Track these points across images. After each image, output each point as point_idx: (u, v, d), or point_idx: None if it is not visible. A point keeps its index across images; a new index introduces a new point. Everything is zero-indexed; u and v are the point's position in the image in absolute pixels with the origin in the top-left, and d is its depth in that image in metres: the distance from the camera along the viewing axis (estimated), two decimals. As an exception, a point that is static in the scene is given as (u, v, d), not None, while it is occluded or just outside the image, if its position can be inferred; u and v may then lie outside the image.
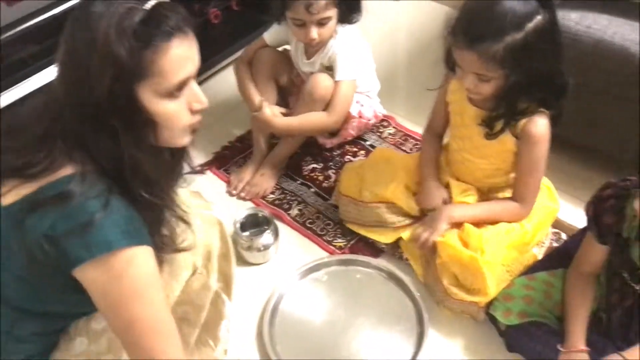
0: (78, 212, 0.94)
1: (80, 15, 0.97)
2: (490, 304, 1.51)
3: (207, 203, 1.44)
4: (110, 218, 0.95)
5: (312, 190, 1.92)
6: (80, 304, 1.07)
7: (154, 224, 1.08)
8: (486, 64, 1.33)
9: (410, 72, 2.37)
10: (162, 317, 1.03)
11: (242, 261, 1.71)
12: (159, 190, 1.06)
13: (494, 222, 1.57)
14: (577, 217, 1.72)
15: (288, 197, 1.90)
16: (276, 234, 1.74)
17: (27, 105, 1.08)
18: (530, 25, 1.30)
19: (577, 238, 1.52)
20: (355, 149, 2.03)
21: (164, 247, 1.13)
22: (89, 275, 0.97)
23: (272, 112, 1.83)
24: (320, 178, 1.95)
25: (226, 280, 1.40)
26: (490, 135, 1.48)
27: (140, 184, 1.02)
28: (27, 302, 1.04)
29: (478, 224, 1.57)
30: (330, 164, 1.99)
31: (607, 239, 1.33)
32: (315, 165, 1.99)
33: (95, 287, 0.99)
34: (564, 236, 1.72)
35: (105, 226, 0.95)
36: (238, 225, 1.72)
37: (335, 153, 2.01)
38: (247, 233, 1.74)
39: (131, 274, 0.98)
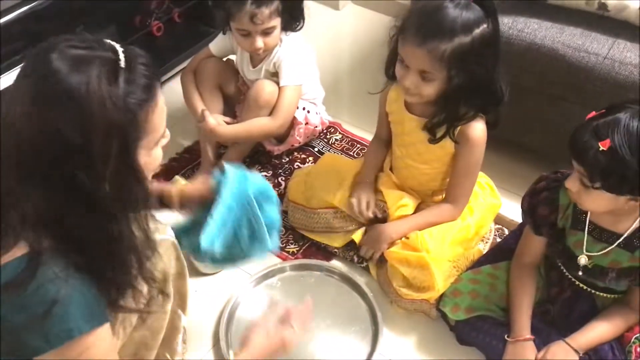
0: (34, 301, 0.90)
1: (54, 91, 0.88)
2: (440, 299, 1.55)
3: (163, 226, 1.32)
4: (69, 303, 0.91)
5: (262, 198, 1.93)
6: None
7: (121, 288, 1.03)
8: (433, 62, 1.37)
9: (353, 79, 2.41)
10: None
11: (196, 272, 1.69)
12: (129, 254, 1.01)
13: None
14: (517, 212, 1.78)
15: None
16: None
17: None
18: (477, 32, 1.36)
19: (518, 232, 1.58)
20: (303, 156, 2.05)
21: (132, 305, 1.09)
22: None
23: (216, 121, 1.84)
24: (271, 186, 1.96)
25: (181, 297, 1.38)
26: (434, 140, 1.53)
27: (107, 252, 0.98)
28: None
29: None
30: (280, 171, 2.00)
31: (543, 230, 1.40)
32: (264, 173, 1.99)
33: None
34: (506, 231, 1.78)
35: (64, 313, 0.91)
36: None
37: (284, 160, 2.03)
38: None
39: (92, 354, 0.96)
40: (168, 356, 1.38)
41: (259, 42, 1.76)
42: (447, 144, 1.54)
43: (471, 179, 1.60)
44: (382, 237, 1.62)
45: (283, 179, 1.98)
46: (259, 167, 2.01)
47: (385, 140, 1.76)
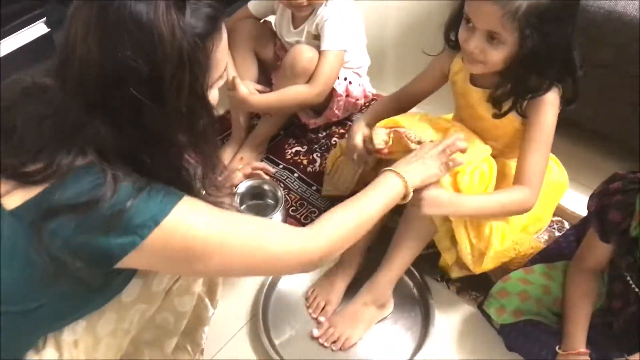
0: (108, 207, 0.86)
1: (120, 16, 0.85)
2: (484, 299, 1.42)
3: None
4: (144, 194, 0.88)
5: (296, 175, 1.82)
6: (77, 308, 1.00)
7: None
8: (505, 20, 1.21)
9: (400, 47, 2.28)
10: (266, 226, 1.02)
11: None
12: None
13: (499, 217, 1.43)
14: (581, 204, 1.63)
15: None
16: (286, 213, 1.50)
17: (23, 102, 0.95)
18: None
19: (580, 228, 1.43)
20: (342, 131, 1.92)
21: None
22: (151, 257, 0.91)
23: (248, 90, 1.71)
24: (305, 162, 1.85)
25: (210, 285, 1.28)
26: (498, 115, 1.37)
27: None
28: (18, 304, 0.94)
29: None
30: (315, 146, 1.88)
31: (611, 237, 1.23)
32: (299, 148, 1.88)
33: (165, 264, 0.96)
34: (566, 225, 1.64)
35: (142, 205, 0.88)
36: (237, 198, 1.45)
37: (320, 135, 1.91)
38: (252, 211, 1.47)
39: (193, 232, 0.91)
40: (189, 348, 1.31)
41: None
42: (515, 119, 1.38)
43: (542, 154, 1.38)
44: (454, 206, 1.34)
45: (319, 155, 1.86)
46: (294, 141, 1.90)
47: (405, 104, 1.58)
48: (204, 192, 1.02)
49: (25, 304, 0.94)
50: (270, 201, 1.50)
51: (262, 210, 1.47)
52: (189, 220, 0.92)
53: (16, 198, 0.89)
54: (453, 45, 1.38)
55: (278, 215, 1.44)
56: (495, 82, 1.36)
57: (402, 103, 1.57)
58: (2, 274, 0.90)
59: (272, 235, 1.02)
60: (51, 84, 0.93)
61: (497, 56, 1.28)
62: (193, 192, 0.98)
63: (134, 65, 0.85)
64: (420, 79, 1.57)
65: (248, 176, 1.44)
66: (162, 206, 0.90)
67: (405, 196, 1.20)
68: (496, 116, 1.37)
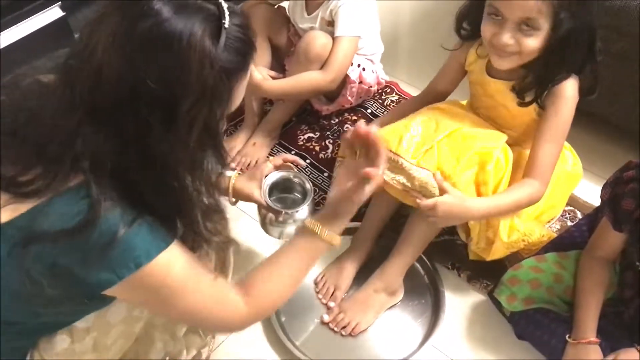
0: (95, 237, 0.83)
1: (152, 33, 0.80)
2: (495, 287, 1.41)
3: None
4: (132, 231, 0.85)
5: (308, 161, 1.81)
6: (78, 313, 1.00)
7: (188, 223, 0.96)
8: (541, 4, 1.19)
9: (414, 34, 2.24)
10: (214, 292, 0.98)
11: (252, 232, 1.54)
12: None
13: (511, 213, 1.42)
14: (593, 194, 1.62)
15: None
16: (312, 208, 1.41)
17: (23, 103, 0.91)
18: None
19: (593, 218, 1.42)
20: (355, 117, 1.90)
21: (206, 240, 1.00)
22: (122, 293, 0.91)
23: (262, 75, 1.70)
24: (317, 148, 1.84)
25: (222, 266, 1.24)
26: (523, 104, 1.35)
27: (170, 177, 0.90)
28: (17, 316, 0.94)
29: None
30: (328, 133, 1.87)
31: (624, 226, 1.22)
32: (311, 135, 1.87)
33: (138, 303, 0.97)
34: (579, 214, 1.62)
35: (128, 242, 0.85)
36: (266, 188, 1.38)
37: (333, 121, 1.89)
38: (278, 203, 1.40)
39: (172, 281, 0.91)
40: (200, 332, 1.29)
41: None
42: (533, 109, 1.37)
43: (556, 146, 1.36)
44: (466, 215, 1.35)
45: (331, 141, 1.85)
46: (306, 128, 1.89)
47: (432, 101, 1.55)
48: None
49: (22, 317, 0.94)
50: (297, 195, 1.44)
51: (289, 204, 1.42)
52: (168, 272, 0.90)
53: (6, 213, 0.86)
54: (466, 36, 1.36)
55: (305, 209, 1.38)
56: (513, 73, 1.33)
57: (429, 102, 1.54)
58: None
59: (218, 308, 0.99)
60: (57, 83, 0.88)
61: (532, 44, 1.24)
62: (176, 226, 0.94)
63: (153, 86, 0.81)
64: (441, 76, 1.55)
65: (278, 167, 1.40)
66: (148, 250, 0.87)
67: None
68: (521, 105, 1.35)
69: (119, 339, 1.08)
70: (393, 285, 1.46)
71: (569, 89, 1.31)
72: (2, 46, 1.54)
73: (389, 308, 1.48)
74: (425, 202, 1.29)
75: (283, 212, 1.36)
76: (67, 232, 0.82)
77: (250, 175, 1.37)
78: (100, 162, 0.84)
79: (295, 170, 1.43)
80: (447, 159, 1.35)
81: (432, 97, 1.56)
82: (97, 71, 0.81)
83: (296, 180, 1.43)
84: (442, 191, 1.31)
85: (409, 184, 1.35)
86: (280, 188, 1.42)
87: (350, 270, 1.51)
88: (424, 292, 1.52)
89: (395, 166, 1.36)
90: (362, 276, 1.51)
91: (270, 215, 1.38)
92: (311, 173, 1.77)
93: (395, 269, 1.46)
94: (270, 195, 1.38)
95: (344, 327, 1.44)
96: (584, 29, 1.24)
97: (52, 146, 0.85)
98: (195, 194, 0.92)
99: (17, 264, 0.84)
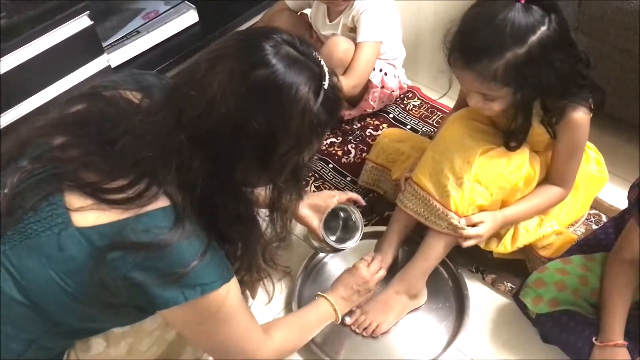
0: (172, 258, 0.89)
1: (266, 82, 0.89)
2: (520, 289, 1.40)
3: None
4: (205, 258, 0.92)
5: (330, 166, 1.82)
6: (126, 321, 1.05)
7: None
8: (487, 83, 1.21)
9: (436, 39, 2.19)
10: (250, 326, 1.06)
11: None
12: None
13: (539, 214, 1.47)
14: (618, 197, 1.61)
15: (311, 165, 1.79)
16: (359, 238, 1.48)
17: (123, 114, 0.97)
18: (534, 39, 1.17)
19: (619, 220, 1.41)
20: (377, 122, 1.91)
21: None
22: (177, 315, 0.96)
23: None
24: (339, 153, 1.85)
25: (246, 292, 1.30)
26: (511, 148, 1.36)
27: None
28: (67, 317, 0.97)
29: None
30: (350, 137, 1.88)
31: None
32: (333, 140, 1.88)
33: (185, 325, 1.00)
34: (604, 218, 1.60)
35: (199, 269, 0.91)
36: (322, 224, 1.43)
37: (355, 126, 1.90)
38: (333, 237, 1.47)
39: (223, 311, 0.97)
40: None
41: None
42: (545, 135, 1.37)
43: (576, 160, 1.40)
44: (499, 226, 1.42)
45: (353, 146, 1.86)
46: (328, 133, 1.89)
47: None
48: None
49: (72, 319, 0.97)
50: (339, 222, 1.50)
51: (344, 238, 1.49)
52: (225, 302, 0.96)
53: (90, 217, 0.90)
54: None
55: (349, 246, 1.47)
56: (508, 113, 1.34)
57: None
58: (57, 290, 0.92)
59: (248, 342, 1.06)
60: (162, 103, 0.94)
61: (497, 107, 1.28)
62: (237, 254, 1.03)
63: (256, 127, 0.88)
64: (462, 91, 1.55)
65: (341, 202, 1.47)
66: (214, 279, 0.94)
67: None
68: (510, 148, 1.36)
69: (153, 345, 1.10)
70: (415, 288, 1.46)
71: (577, 117, 1.31)
72: (32, 55, 1.57)
73: (412, 311, 1.48)
74: (467, 243, 1.40)
75: (333, 247, 1.45)
76: (149, 246, 0.88)
77: (315, 207, 1.43)
78: (190, 185, 0.91)
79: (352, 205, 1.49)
80: (478, 192, 1.38)
81: (465, 106, 1.55)
82: (209, 102, 0.88)
83: (346, 213, 1.48)
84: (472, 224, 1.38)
85: (442, 224, 1.40)
86: (330, 213, 1.48)
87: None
88: (448, 295, 1.52)
89: (430, 210, 1.41)
90: (386, 278, 1.50)
91: (324, 245, 1.46)
92: (333, 177, 1.78)
93: (417, 272, 1.46)
94: (325, 223, 1.44)
95: (365, 329, 1.45)
96: (553, 84, 1.22)
97: (147, 161, 0.90)
98: (265, 225, 1.03)
99: (93, 267, 0.89)
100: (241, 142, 0.89)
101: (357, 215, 1.47)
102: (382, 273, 1.44)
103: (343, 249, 1.47)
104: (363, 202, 1.52)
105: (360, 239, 1.47)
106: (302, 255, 1.58)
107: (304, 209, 1.42)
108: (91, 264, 0.89)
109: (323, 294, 1.34)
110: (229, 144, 0.89)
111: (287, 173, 0.96)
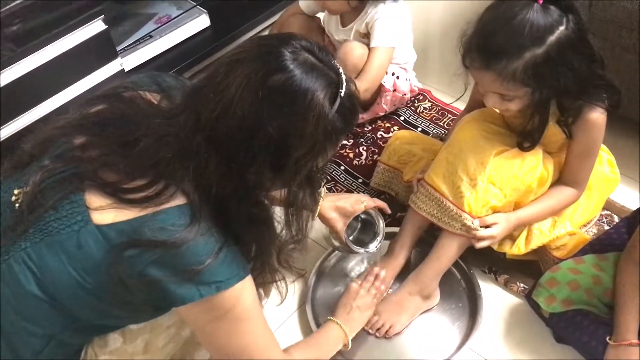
0: (188, 256, 0.90)
1: (283, 86, 0.90)
2: (533, 289, 1.41)
3: None
4: (220, 256, 0.93)
5: (342, 168, 1.83)
6: (142, 318, 1.06)
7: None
8: (506, 84, 1.22)
9: (446, 41, 2.23)
10: (265, 333, 1.06)
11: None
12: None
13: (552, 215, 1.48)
14: (630, 198, 1.62)
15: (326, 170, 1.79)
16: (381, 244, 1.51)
17: (145, 117, 0.98)
18: (552, 39, 1.18)
19: (632, 220, 1.41)
20: (388, 125, 1.92)
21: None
22: (193, 312, 0.97)
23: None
24: (351, 155, 1.86)
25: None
26: (525, 148, 1.37)
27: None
28: (85, 314, 0.98)
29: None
30: (361, 140, 1.89)
31: None
32: (344, 142, 1.89)
33: (201, 323, 1.00)
34: (616, 219, 1.60)
35: (215, 266, 0.92)
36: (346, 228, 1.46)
37: (366, 129, 1.91)
38: (351, 238, 1.49)
39: (238, 309, 0.97)
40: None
41: (318, 1, 1.69)
42: (560, 135, 1.37)
43: (590, 160, 1.41)
44: (513, 227, 1.43)
45: (364, 148, 1.87)
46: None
47: None
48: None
49: (90, 315, 0.99)
50: (358, 223, 1.52)
51: (361, 238, 1.51)
52: (239, 299, 0.97)
53: (108, 216, 0.92)
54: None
55: (370, 251, 1.49)
56: (525, 112, 1.34)
57: None
58: (75, 287, 0.94)
59: (264, 353, 1.06)
60: (182, 106, 0.95)
61: (516, 106, 1.29)
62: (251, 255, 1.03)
63: (271, 132, 0.89)
64: (475, 91, 1.56)
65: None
66: (229, 277, 0.95)
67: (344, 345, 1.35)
68: (523, 149, 1.37)
69: (170, 342, 1.12)
70: (427, 288, 1.47)
71: (593, 117, 1.32)
72: (48, 59, 1.59)
73: (425, 312, 1.49)
74: (480, 244, 1.40)
75: (355, 250, 1.47)
76: (164, 243, 0.89)
77: (343, 211, 1.44)
78: (206, 186, 0.92)
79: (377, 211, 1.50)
80: (492, 193, 1.38)
81: (477, 108, 1.56)
82: (226, 105, 0.89)
83: (370, 217, 1.50)
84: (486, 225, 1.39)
85: (456, 225, 1.41)
86: (359, 222, 1.51)
87: (388, 275, 1.52)
88: (461, 296, 1.52)
89: (444, 211, 1.42)
90: (399, 280, 1.52)
91: (351, 249, 1.47)
92: (345, 179, 1.79)
93: (430, 273, 1.46)
94: (349, 227, 1.46)
95: (378, 329, 1.45)
96: (570, 85, 1.24)
97: (166, 161, 0.92)
98: (280, 227, 1.03)
99: (111, 264, 0.91)
100: (256, 145, 0.90)
101: (381, 224, 1.49)
102: (380, 285, 1.45)
103: (363, 252, 1.48)
104: (389, 210, 1.52)
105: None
106: (315, 257, 1.59)
107: (332, 212, 1.43)
108: (109, 261, 0.91)
109: (332, 318, 1.36)
110: (244, 146, 0.91)
111: (301, 178, 0.97)
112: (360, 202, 1.45)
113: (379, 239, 1.48)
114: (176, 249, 0.89)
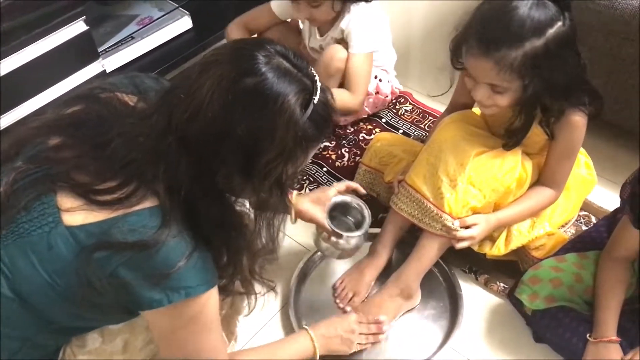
0: (158, 258, 0.89)
1: (254, 90, 0.89)
2: (515, 287, 1.43)
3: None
4: (190, 261, 0.91)
5: (324, 169, 1.84)
6: (114, 321, 1.05)
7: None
8: (503, 73, 1.23)
9: (427, 44, 2.27)
10: (219, 338, 1.06)
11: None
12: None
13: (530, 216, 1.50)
14: (607, 199, 1.65)
15: (298, 177, 1.81)
16: (366, 234, 1.47)
17: (118, 118, 0.97)
18: (551, 32, 1.21)
19: (610, 219, 1.43)
20: (370, 127, 1.93)
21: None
22: (158, 317, 0.96)
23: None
24: (333, 157, 1.87)
25: (232, 306, 1.30)
26: (507, 147, 1.39)
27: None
28: (58, 316, 0.97)
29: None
30: (344, 142, 1.90)
31: None
32: (327, 144, 1.90)
33: (163, 327, 0.98)
34: (593, 219, 1.63)
35: (185, 271, 0.91)
36: (327, 212, 1.43)
37: (348, 131, 1.92)
38: (335, 224, 1.45)
39: (203, 316, 0.97)
40: (224, 335, 1.30)
41: (304, 12, 1.68)
42: (542, 135, 1.40)
43: (570, 161, 1.44)
44: (492, 229, 1.45)
45: (347, 150, 1.88)
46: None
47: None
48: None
49: (63, 318, 0.98)
50: (350, 218, 1.51)
51: (343, 226, 1.48)
52: (205, 307, 0.97)
53: (79, 217, 0.91)
54: (461, 68, 1.38)
55: (359, 234, 1.44)
56: (509, 111, 1.36)
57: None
58: (46, 289, 0.92)
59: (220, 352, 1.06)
60: (154, 107, 0.95)
61: (505, 101, 1.30)
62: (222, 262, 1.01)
63: (241, 134, 0.88)
64: (459, 90, 1.57)
65: (341, 193, 1.47)
66: (199, 283, 0.94)
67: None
68: (505, 147, 1.39)
69: (149, 343, 1.10)
70: (409, 289, 1.48)
71: (574, 120, 1.35)
72: (28, 60, 1.58)
73: (406, 312, 1.49)
74: (460, 245, 1.41)
75: (344, 236, 1.42)
76: (135, 245, 0.88)
77: (316, 199, 1.43)
78: (176, 188, 0.91)
79: (355, 196, 1.49)
80: (472, 194, 1.40)
81: (458, 110, 1.58)
82: (197, 106, 0.89)
83: (354, 205, 1.48)
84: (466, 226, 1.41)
85: (436, 226, 1.42)
86: (338, 210, 1.48)
87: (369, 276, 1.52)
88: (442, 296, 1.53)
89: (424, 212, 1.43)
90: (380, 280, 1.53)
91: (325, 234, 1.44)
92: (327, 181, 1.80)
93: (411, 273, 1.47)
94: (330, 217, 1.44)
95: None
96: (560, 84, 1.26)
97: (137, 163, 0.91)
98: (250, 233, 1.01)
99: (80, 265, 0.89)
100: (225, 147, 0.90)
101: (361, 204, 1.46)
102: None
103: (355, 238, 1.44)
104: (363, 190, 1.50)
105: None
106: (296, 260, 1.59)
107: (305, 203, 1.41)
108: (78, 263, 0.89)
109: (308, 329, 1.31)
110: (214, 149, 0.90)
111: (270, 184, 0.95)
112: (329, 188, 1.45)
113: (365, 221, 1.45)
114: (146, 251, 0.88)
